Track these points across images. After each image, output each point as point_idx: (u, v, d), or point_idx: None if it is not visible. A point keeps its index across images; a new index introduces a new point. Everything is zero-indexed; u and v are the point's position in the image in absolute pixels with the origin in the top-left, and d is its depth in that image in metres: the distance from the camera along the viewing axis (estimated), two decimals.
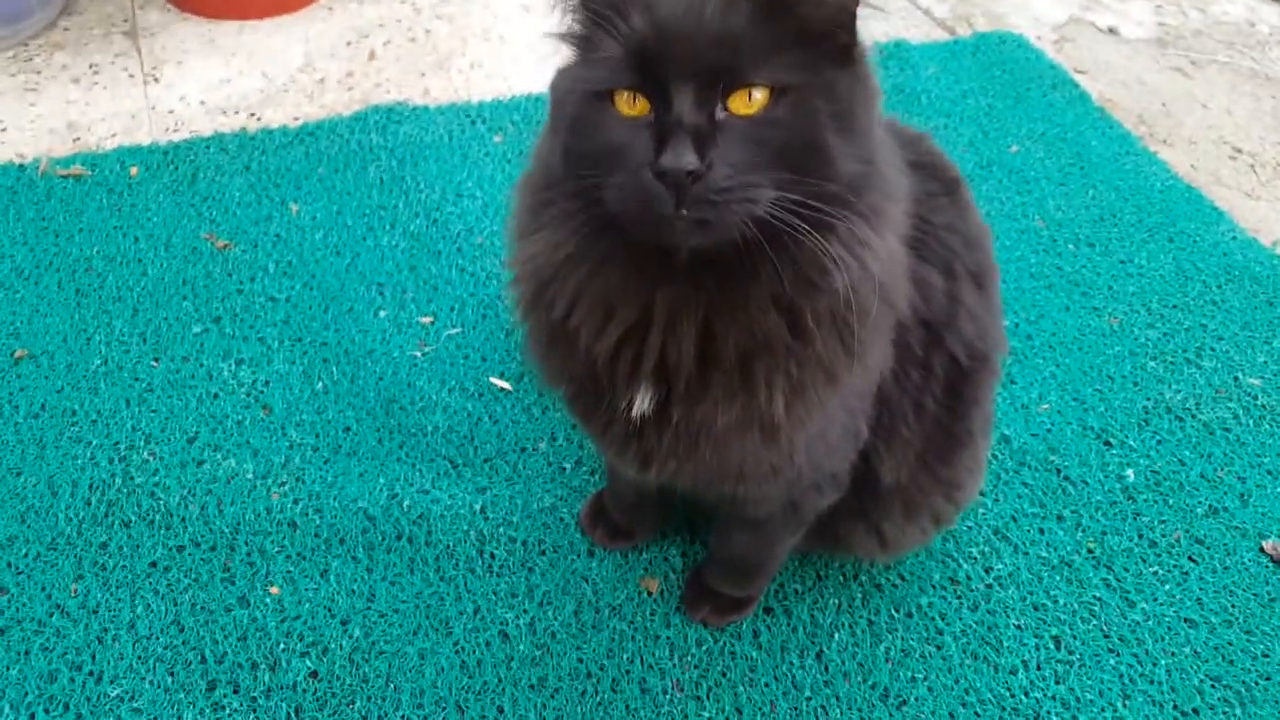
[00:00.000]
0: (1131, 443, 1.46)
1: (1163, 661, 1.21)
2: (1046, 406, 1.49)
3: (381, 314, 1.56)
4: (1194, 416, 1.50)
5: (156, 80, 2.07)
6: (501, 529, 1.28)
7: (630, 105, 0.70)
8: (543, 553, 1.27)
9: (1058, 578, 1.29)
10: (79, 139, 1.91)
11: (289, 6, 2.27)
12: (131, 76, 2.07)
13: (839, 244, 0.74)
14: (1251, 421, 1.50)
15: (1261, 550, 1.34)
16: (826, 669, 1.18)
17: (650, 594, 1.23)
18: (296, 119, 1.97)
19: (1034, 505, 1.37)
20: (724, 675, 1.16)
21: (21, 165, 1.80)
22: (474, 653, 1.17)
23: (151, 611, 1.19)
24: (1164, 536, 1.34)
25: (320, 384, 1.46)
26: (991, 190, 1.89)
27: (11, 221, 1.69)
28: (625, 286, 0.77)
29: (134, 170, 1.81)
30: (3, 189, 1.75)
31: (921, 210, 0.93)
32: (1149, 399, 1.52)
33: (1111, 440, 1.46)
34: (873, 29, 2.32)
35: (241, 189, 1.78)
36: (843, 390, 0.86)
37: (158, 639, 1.17)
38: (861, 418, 0.96)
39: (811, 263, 0.74)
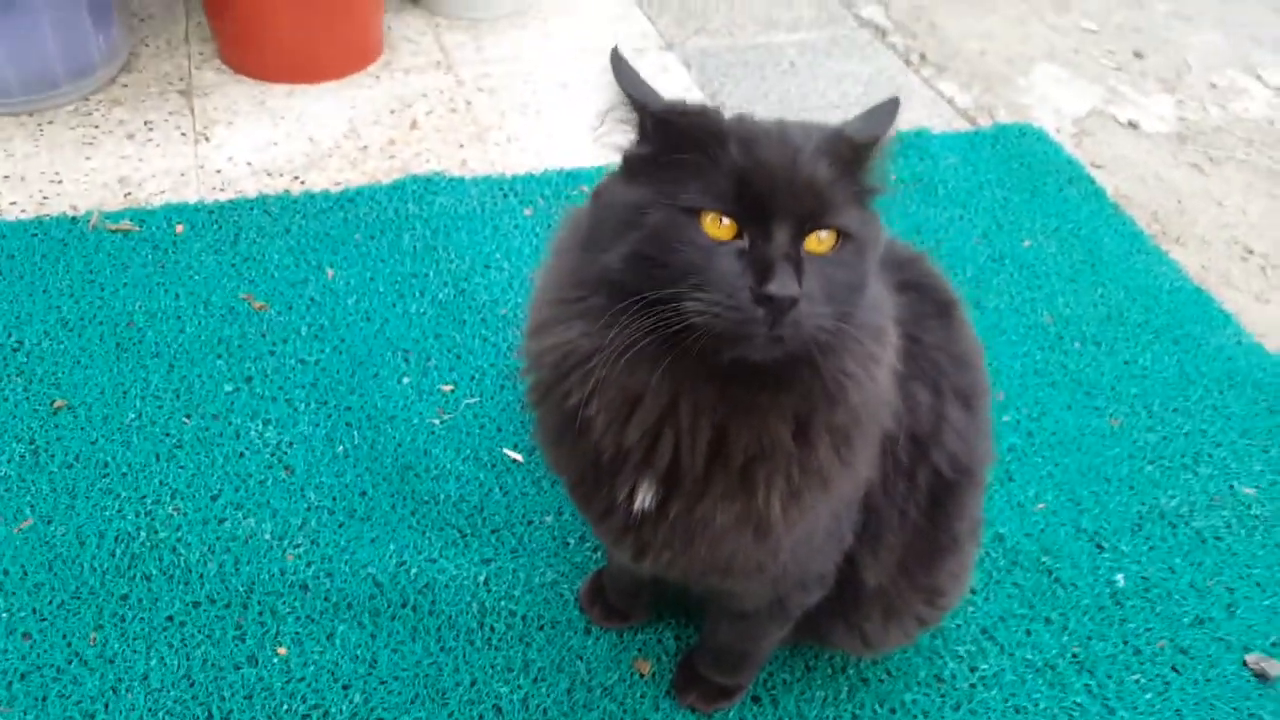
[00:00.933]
0: (1124, 547, 1.49)
1: None
2: (1042, 506, 1.53)
3: (405, 380, 1.63)
4: (1187, 524, 1.53)
5: (207, 139, 2.17)
6: (503, 602, 1.34)
7: (717, 227, 0.76)
8: (541, 628, 1.32)
9: (1040, 681, 1.32)
10: (130, 194, 2.01)
11: (338, 73, 2.38)
12: (184, 135, 2.18)
13: (854, 362, 0.82)
14: (1244, 531, 1.53)
15: (1244, 664, 1.36)
16: None
17: (642, 676, 1.28)
18: (338, 184, 2.06)
19: (1023, 606, 1.40)
20: None
21: (74, 218, 1.90)
22: None
23: (165, 665, 1.25)
24: (1149, 644, 1.37)
25: (341, 447, 1.53)
26: (1002, 284, 1.94)
27: (61, 273, 1.78)
28: (654, 387, 0.82)
29: (180, 228, 1.90)
30: (54, 241, 1.85)
31: (913, 330, 0.99)
32: (1144, 504, 1.55)
33: (1104, 544, 1.49)
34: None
35: (281, 251, 1.87)
36: (833, 496, 0.91)
37: (169, 692, 1.22)
38: (847, 523, 1.01)
39: (835, 379, 0.82)
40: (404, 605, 1.33)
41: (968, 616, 1.38)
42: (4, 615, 1.29)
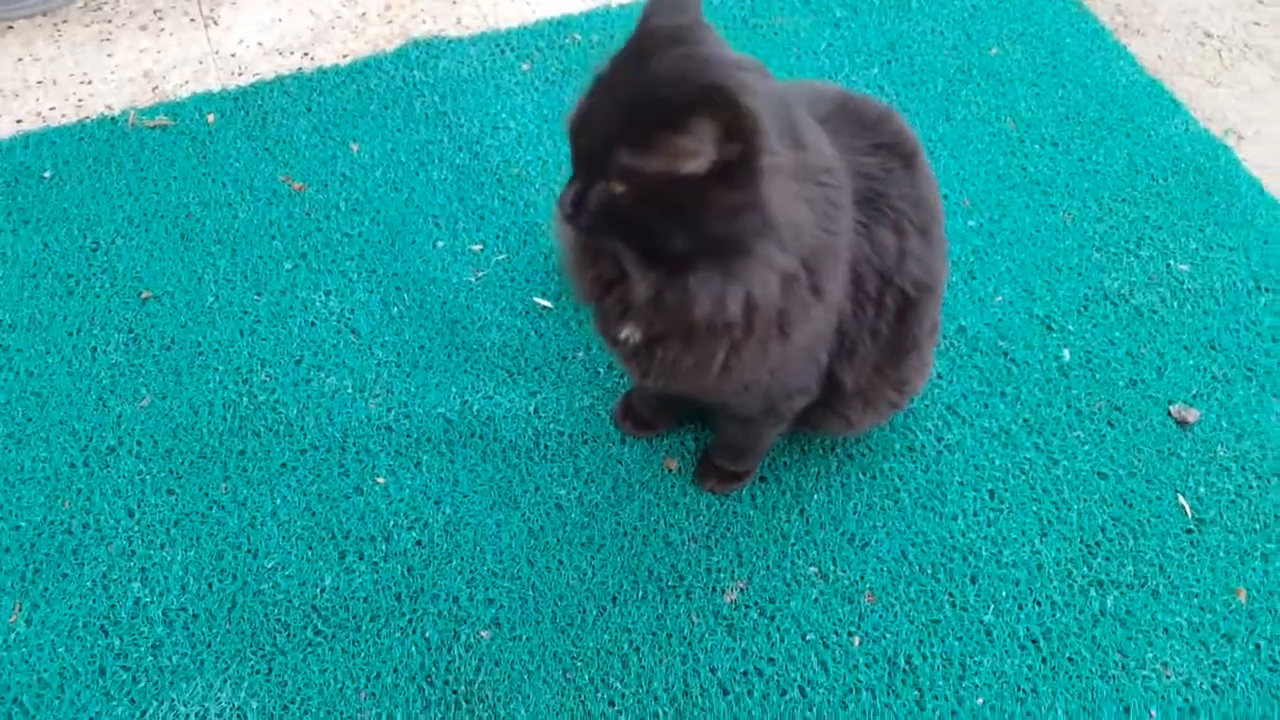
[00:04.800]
0: (1070, 327, 1.74)
1: (1075, 506, 1.54)
2: (1000, 299, 1.77)
3: (439, 244, 1.86)
4: (1127, 301, 1.78)
5: (216, 23, 2.30)
6: (551, 425, 1.62)
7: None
8: (585, 442, 1.60)
9: (996, 444, 1.61)
10: (157, 88, 2.16)
11: None
12: (193, 20, 2.30)
13: (697, 285, 1.05)
14: (1176, 304, 1.78)
15: (1168, 414, 1.64)
16: (807, 521, 1.53)
17: (670, 471, 1.58)
18: (345, 56, 2.20)
19: (982, 384, 1.67)
20: (728, 530, 1.51)
21: (112, 118, 2.07)
22: (537, 521, 1.53)
23: (288, 502, 1.55)
24: (1089, 406, 1.65)
25: (396, 309, 1.77)
26: (970, 94, 2.10)
27: (115, 174, 1.98)
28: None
29: (211, 117, 2.07)
30: (100, 143, 2.03)
31: (879, 185, 1.21)
32: (1090, 287, 1.79)
33: (1053, 325, 1.74)
34: None
35: (306, 130, 2.04)
36: (786, 347, 1.14)
37: (295, 522, 1.53)
38: (820, 350, 1.25)
39: (682, 293, 1.06)
40: (472, 435, 1.61)
41: (935, 397, 1.65)
42: (148, 477, 1.58)
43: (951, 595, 1.47)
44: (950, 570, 1.49)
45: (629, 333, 1.15)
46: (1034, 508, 1.54)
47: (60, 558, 1.51)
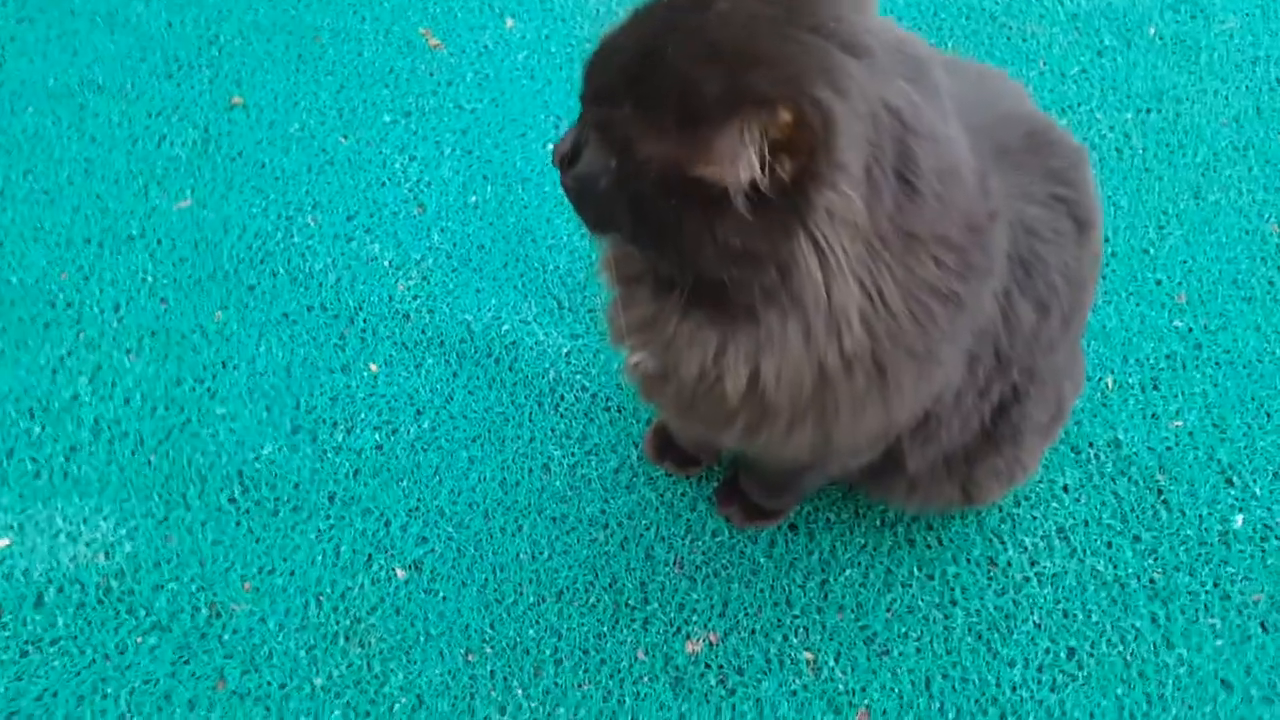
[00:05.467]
0: (1257, 489, 1.33)
1: (1175, 711, 1.15)
2: (1179, 424, 1.38)
3: (548, 146, 1.63)
4: None
5: None
6: (578, 376, 1.36)
7: None
8: (606, 409, 1.34)
9: (1103, 595, 1.23)
10: None
11: None
12: None
13: (687, 334, 0.78)
14: None
15: None
16: (825, 597, 1.20)
17: (688, 477, 1.29)
18: None
19: (1115, 518, 1.29)
20: (724, 568, 1.21)
21: None
22: (515, 474, 1.28)
23: (270, 354, 1.37)
24: (1242, 594, 1.24)
25: (473, 198, 1.56)
26: (1235, 178, 1.66)
27: None
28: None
29: None
30: None
31: (1041, 248, 0.89)
32: None
33: (1235, 480, 1.33)
34: None
35: None
36: (826, 431, 0.83)
37: (267, 378, 1.35)
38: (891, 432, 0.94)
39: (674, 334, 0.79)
40: (489, 355, 1.38)
41: (1048, 511, 1.29)
42: (149, 279, 1.44)
43: None
44: None
45: (640, 358, 0.87)
46: (1119, 690, 1.16)
47: (28, 327, 1.38)
